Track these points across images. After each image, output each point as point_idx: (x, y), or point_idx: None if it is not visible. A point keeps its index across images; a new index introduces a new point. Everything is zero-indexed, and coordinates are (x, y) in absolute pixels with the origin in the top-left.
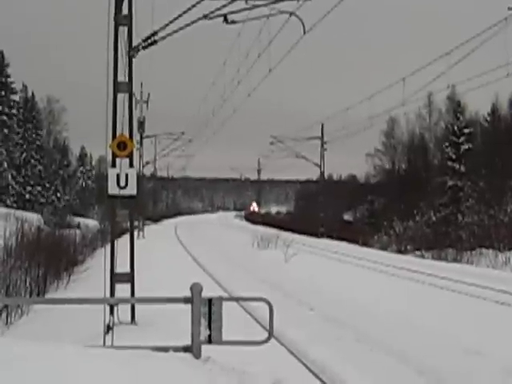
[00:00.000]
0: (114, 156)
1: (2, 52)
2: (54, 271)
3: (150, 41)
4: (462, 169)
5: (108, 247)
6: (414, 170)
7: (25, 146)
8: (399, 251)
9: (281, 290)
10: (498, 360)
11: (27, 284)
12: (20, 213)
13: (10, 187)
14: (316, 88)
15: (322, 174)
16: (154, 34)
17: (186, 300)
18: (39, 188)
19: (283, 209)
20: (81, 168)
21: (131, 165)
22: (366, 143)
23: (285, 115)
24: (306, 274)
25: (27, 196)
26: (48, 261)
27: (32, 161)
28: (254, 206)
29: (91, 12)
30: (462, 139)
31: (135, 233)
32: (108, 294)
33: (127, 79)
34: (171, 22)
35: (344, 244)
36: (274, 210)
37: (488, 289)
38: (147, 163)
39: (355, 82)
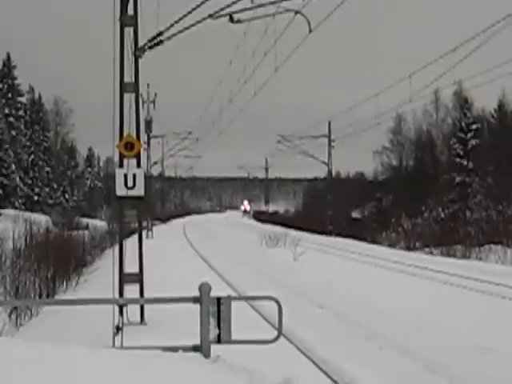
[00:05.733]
0: (122, 156)
1: (9, 54)
2: (63, 272)
3: (155, 41)
4: (470, 165)
5: (116, 248)
6: (421, 167)
7: (32, 148)
8: (408, 248)
9: (290, 288)
10: (511, 357)
11: (36, 285)
12: (28, 214)
13: (18, 189)
14: (323, 86)
15: (330, 171)
16: (160, 34)
17: (194, 300)
18: (47, 189)
19: (285, 208)
20: (88, 169)
21: (139, 165)
22: (373, 140)
23: (292, 113)
24: (314, 271)
25: (35, 198)
26: (57, 262)
27: (40, 162)
28: (246, 205)
29: (97, 13)
30: (469, 135)
31: (144, 233)
32: (117, 295)
33: (133, 79)
34: (177, 21)
35: (352, 241)
36: (274, 208)
37: (497, 285)
38: (155, 163)
39: (362, 80)
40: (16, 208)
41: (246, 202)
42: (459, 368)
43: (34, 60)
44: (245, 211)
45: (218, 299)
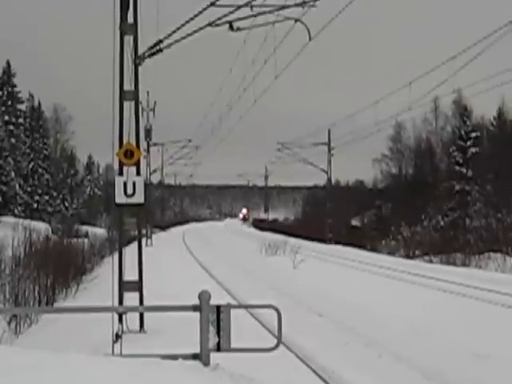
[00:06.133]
0: (121, 164)
1: (9, 62)
2: (63, 280)
3: (155, 49)
4: (469, 173)
5: (116, 256)
6: (421, 175)
7: (32, 155)
8: (407, 256)
9: (289, 296)
10: (508, 364)
11: (36, 293)
12: (28, 222)
13: (17, 196)
14: (323, 93)
15: (329, 179)
16: (160, 42)
17: (194, 308)
18: (47, 197)
19: (284, 216)
20: (88, 176)
21: (138, 173)
22: (372, 148)
23: (291, 121)
24: (314, 280)
25: (35, 205)
26: (56, 270)
27: (39, 170)
28: (244, 213)
29: (97, 21)
30: (468, 143)
31: (143, 241)
32: (116, 303)
33: (133, 87)
34: (176, 30)
35: (352, 249)
36: (274, 216)
37: (496, 293)
38: (154, 171)
39: (363, 87)
40: (15, 215)
41: (244, 210)
42: (456, 375)
43: (34, 67)
44: (243, 219)
45: (218, 307)
